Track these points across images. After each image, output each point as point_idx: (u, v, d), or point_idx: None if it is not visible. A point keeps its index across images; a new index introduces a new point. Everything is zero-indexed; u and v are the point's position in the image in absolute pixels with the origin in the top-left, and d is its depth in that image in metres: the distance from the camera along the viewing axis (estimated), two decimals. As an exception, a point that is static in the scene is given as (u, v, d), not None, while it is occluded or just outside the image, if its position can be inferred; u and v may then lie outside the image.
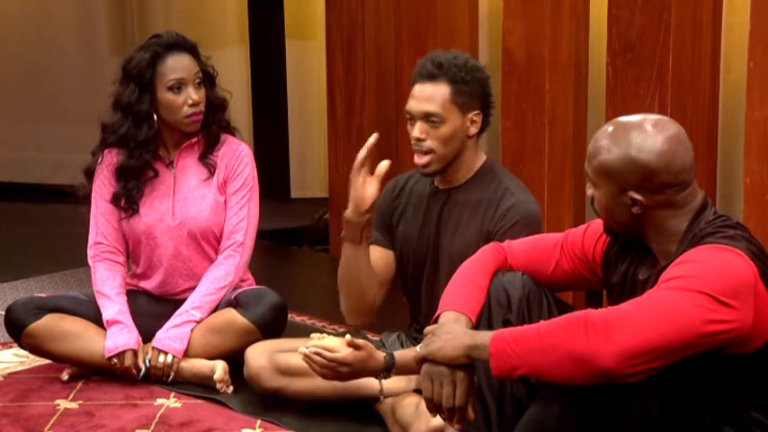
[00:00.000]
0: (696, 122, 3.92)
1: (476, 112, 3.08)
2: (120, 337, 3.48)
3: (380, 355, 2.72)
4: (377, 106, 5.19)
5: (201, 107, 3.57)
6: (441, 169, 3.09)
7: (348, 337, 2.75)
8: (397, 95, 4.99)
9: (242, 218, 3.62)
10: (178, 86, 3.54)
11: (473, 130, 3.09)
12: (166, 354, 3.49)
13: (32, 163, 7.20)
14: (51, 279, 4.89)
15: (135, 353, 3.48)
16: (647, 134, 2.30)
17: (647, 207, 2.32)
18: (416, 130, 3.05)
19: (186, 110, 3.55)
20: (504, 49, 4.41)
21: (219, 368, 3.44)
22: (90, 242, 3.66)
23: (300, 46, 6.66)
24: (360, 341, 2.74)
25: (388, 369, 2.70)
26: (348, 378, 2.76)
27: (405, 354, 2.72)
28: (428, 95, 3.03)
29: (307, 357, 2.76)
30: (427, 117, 3.03)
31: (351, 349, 2.70)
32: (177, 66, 3.55)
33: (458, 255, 2.93)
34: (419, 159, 3.07)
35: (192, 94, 3.54)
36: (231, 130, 3.72)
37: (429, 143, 3.04)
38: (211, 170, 3.64)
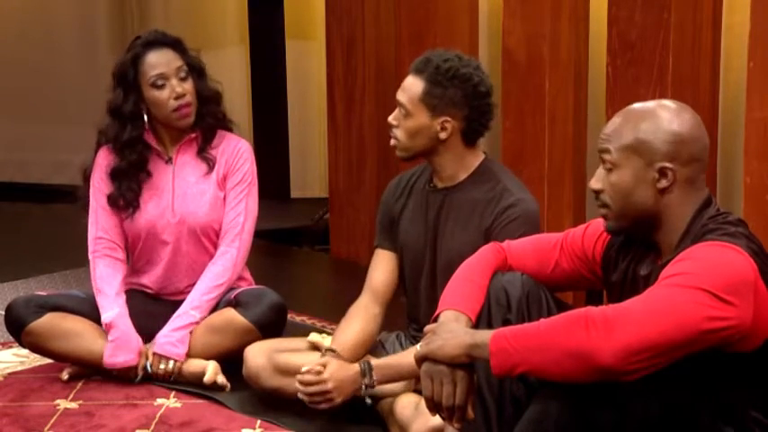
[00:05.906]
0: (696, 122, 3.91)
1: (445, 119, 3.06)
2: (120, 352, 3.47)
3: (353, 365, 3.00)
4: (377, 106, 5.19)
5: (188, 99, 3.56)
6: (408, 157, 3.14)
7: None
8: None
9: (239, 212, 3.61)
10: (161, 82, 3.54)
11: (443, 135, 3.07)
12: (168, 360, 3.49)
13: (32, 163, 7.21)
14: (51, 279, 4.88)
15: (136, 365, 3.49)
16: (672, 110, 2.36)
17: (673, 183, 2.32)
18: (392, 114, 3.12)
19: (172, 103, 3.54)
20: (504, 49, 4.41)
21: (210, 370, 3.43)
22: (90, 237, 3.65)
23: (300, 46, 6.66)
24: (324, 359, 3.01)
25: (364, 374, 2.97)
26: (340, 397, 2.99)
27: (387, 359, 2.91)
28: (405, 86, 3.10)
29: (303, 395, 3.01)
30: (399, 106, 3.09)
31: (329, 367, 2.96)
32: (157, 62, 3.55)
33: (456, 254, 2.93)
34: (391, 141, 3.15)
35: (176, 87, 3.54)
36: (227, 124, 3.71)
37: (396, 131, 3.11)
38: (210, 165, 3.64)
